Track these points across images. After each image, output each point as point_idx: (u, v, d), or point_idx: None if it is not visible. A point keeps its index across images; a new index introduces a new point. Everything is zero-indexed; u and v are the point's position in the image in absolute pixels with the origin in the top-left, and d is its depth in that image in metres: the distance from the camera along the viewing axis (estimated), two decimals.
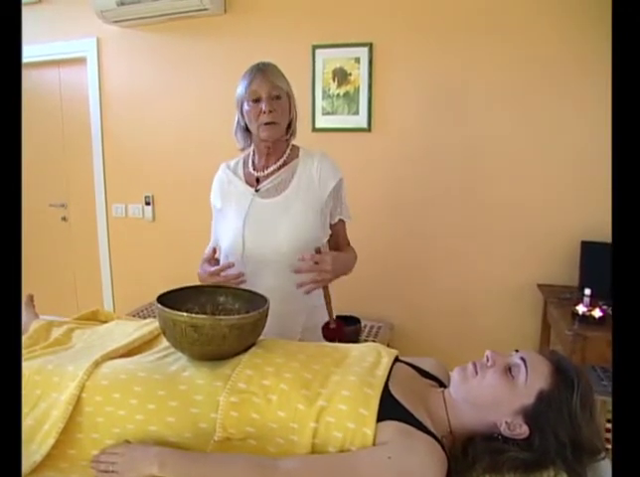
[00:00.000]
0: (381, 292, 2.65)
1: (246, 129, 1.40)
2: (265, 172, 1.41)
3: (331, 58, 2.54)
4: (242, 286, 1.28)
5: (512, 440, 0.87)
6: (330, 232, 1.44)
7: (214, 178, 1.52)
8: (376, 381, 0.91)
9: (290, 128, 1.40)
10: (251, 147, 1.45)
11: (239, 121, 1.40)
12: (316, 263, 1.25)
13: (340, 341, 1.29)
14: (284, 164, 1.40)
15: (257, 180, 1.41)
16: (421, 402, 0.92)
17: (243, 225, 1.36)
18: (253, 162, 1.44)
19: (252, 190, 1.39)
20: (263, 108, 1.29)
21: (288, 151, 1.42)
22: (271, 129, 1.32)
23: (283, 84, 1.34)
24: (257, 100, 1.30)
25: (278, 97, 1.31)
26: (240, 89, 1.34)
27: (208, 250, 1.39)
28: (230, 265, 1.29)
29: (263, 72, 1.31)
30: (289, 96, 1.37)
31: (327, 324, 1.41)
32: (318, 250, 1.28)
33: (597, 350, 1.82)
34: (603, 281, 1.70)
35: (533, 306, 2.41)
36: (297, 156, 1.42)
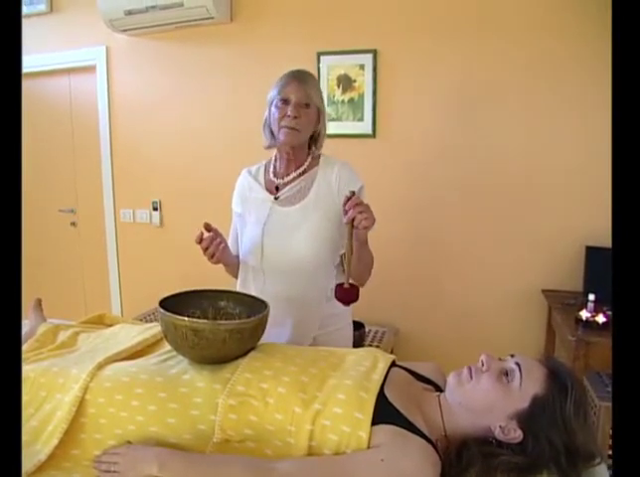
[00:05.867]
0: (385, 297, 2.65)
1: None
2: (285, 179, 1.41)
3: (336, 64, 2.56)
4: (252, 292, 1.29)
5: (506, 444, 0.88)
6: None
7: (233, 183, 1.52)
8: (371, 385, 0.93)
9: (315, 140, 1.43)
10: (275, 152, 1.46)
11: (266, 120, 1.41)
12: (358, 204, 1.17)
13: (350, 303, 1.25)
14: (304, 172, 1.41)
15: (277, 188, 1.41)
16: (417, 406, 0.93)
17: (262, 232, 1.37)
18: (275, 168, 1.45)
19: (272, 197, 1.40)
20: (289, 112, 1.31)
21: (309, 159, 1.42)
22: (291, 135, 1.33)
23: (316, 97, 1.36)
24: (286, 103, 1.32)
25: (307, 106, 1.33)
26: (273, 90, 1.36)
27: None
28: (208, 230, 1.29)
29: (299, 79, 1.34)
30: (319, 110, 1.38)
31: (341, 285, 1.24)
32: (352, 193, 1.19)
33: (601, 355, 1.81)
34: (608, 287, 1.67)
35: (537, 312, 2.41)
36: (317, 164, 1.42)
